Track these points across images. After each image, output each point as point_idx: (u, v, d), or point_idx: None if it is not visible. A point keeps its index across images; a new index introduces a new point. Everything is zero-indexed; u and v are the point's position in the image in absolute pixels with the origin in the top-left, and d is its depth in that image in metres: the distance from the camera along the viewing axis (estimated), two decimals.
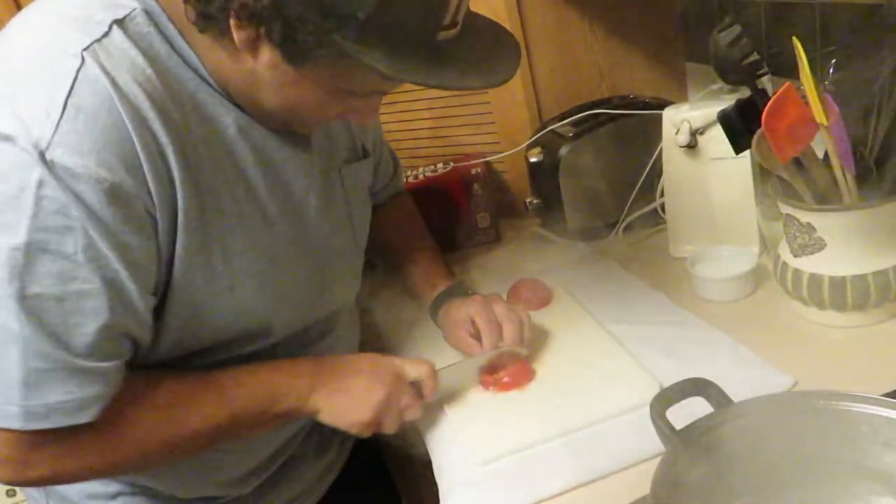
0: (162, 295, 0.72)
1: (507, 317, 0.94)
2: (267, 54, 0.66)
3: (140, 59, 0.66)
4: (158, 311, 0.72)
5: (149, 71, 0.66)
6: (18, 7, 1.38)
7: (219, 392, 0.77)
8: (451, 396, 0.91)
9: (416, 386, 0.85)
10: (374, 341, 1.14)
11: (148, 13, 0.68)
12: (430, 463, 0.87)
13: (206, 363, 0.79)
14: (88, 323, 0.65)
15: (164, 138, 0.66)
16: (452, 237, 1.36)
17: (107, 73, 0.64)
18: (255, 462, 0.90)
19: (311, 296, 0.87)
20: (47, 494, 0.87)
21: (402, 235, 1.14)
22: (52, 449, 0.68)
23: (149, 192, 0.66)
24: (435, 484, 0.83)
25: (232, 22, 0.64)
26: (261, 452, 0.90)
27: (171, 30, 0.69)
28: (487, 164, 1.41)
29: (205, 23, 0.66)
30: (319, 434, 0.98)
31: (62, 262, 0.63)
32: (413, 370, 0.85)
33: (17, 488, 1.75)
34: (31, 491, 0.88)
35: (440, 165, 1.41)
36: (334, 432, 1.00)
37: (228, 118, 0.73)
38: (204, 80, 0.71)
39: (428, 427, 0.90)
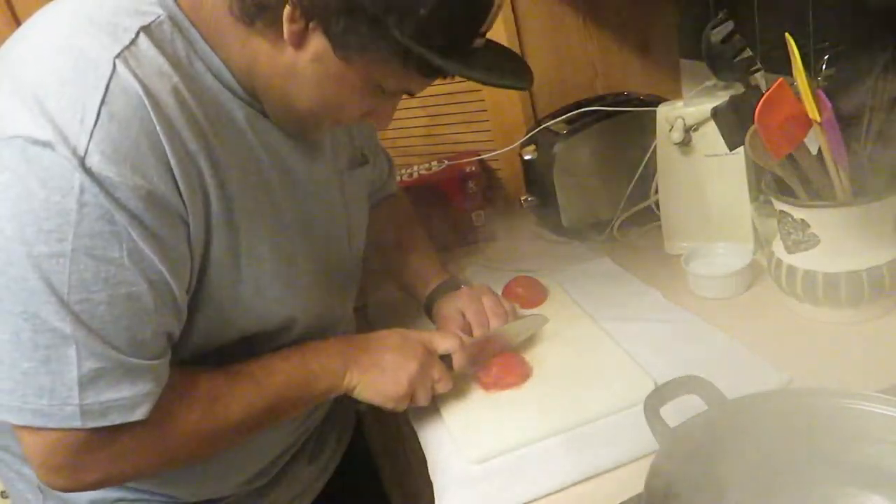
0: (192, 295, 0.72)
1: (494, 311, 0.98)
2: (315, 46, 0.68)
3: (167, 66, 0.67)
4: (189, 311, 0.73)
5: (175, 78, 0.67)
6: (12, 11, 1.37)
7: (255, 381, 0.78)
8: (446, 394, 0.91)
9: (444, 359, 0.88)
10: None
11: (172, 19, 0.69)
12: (424, 461, 0.87)
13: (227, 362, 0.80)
14: (138, 323, 0.66)
15: (193, 144, 0.67)
16: (447, 235, 1.36)
17: (139, 81, 0.64)
18: (260, 464, 0.90)
19: (323, 300, 0.88)
20: (44, 498, 0.86)
21: (396, 235, 1.14)
22: (106, 452, 0.68)
23: (180, 197, 0.66)
24: (430, 482, 0.83)
25: (286, 12, 0.65)
26: (266, 455, 0.90)
27: (193, 35, 0.70)
28: (482, 161, 1.42)
29: (256, 12, 0.67)
30: (316, 437, 0.98)
31: (109, 267, 0.63)
32: (443, 343, 0.88)
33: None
34: (27, 494, 0.88)
35: (435, 163, 1.41)
36: (329, 434, 1.01)
37: (249, 123, 0.75)
38: (226, 84, 0.72)
39: (422, 425, 0.90)
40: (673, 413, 0.63)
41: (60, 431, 0.65)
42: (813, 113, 0.81)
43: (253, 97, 0.75)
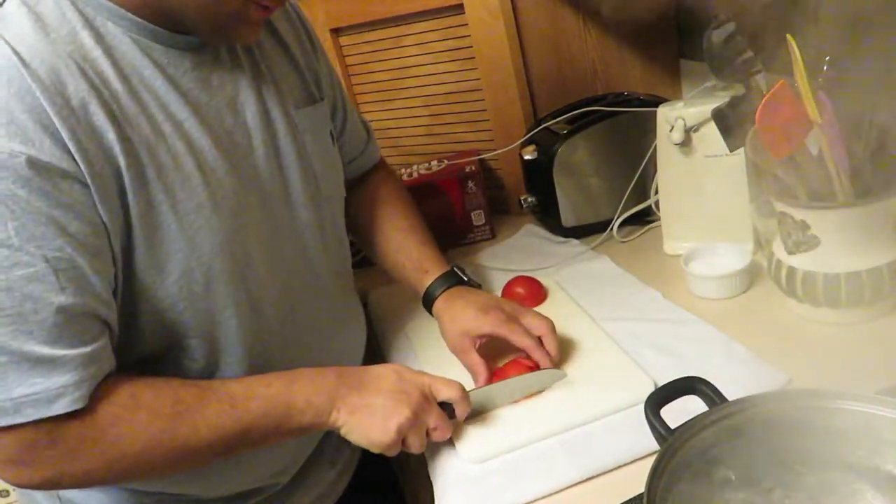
0: (129, 264, 0.69)
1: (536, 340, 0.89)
2: None
3: (40, 21, 0.64)
4: (130, 284, 0.70)
5: (53, 35, 0.65)
6: None
7: (231, 404, 0.73)
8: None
9: (446, 406, 0.81)
10: (367, 337, 1.14)
11: None
12: (424, 461, 0.87)
13: (196, 350, 0.77)
14: (43, 308, 0.62)
15: (84, 97, 0.64)
16: (447, 234, 1.36)
17: (6, 43, 0.62)
18: (282, 463, 0.89)
19: (284, 250, 0.83)
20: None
21: (384, 215, 1.06)
22: (51, 451, 0.66)
23: (72, 158, 0.63)
24: (429, 482, 0.83)
25: None
26: (288, 454, 0.89)
27: None
28: (482, 161, 1.42)
29: None
30: (336, 438, 0.97)
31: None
32: (444, 391, 0.81)
33: (9, 489, 1.75)
34: (44, 502, 0.88)
35: (435, 163, 1.41)
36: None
37: (153, 66, 0.71)
38: (121, 23, 0.69)
39: None
40: (673, 414, 0.63)
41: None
42: (814, 114, 0.81)
43: (157, 20, 0.71)
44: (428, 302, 0.99)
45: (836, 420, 0.60)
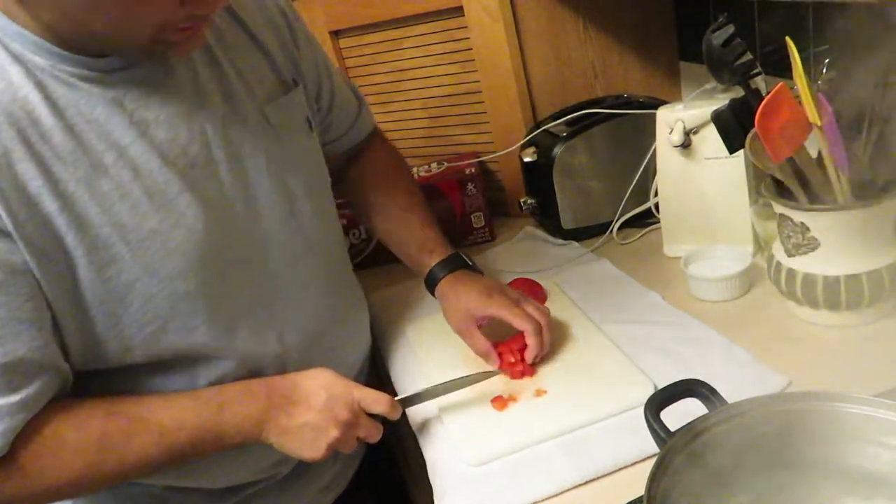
0: (81, 302, 0.69)
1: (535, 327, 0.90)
2: None
3: None
4: (89, 318, 0.70)
5: None
6: None
7: (159, 434, 0.73)
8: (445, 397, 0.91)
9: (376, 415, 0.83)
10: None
11: None
12: (423, 463, 0.87)
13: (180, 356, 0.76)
14: None
15: (7, 144, 0.63)
16: (447, 237, 1.35)
17: None
18: (280, 453, 0.89)
19: (261, 259, 0.81)
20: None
21: (384, 189, 1.05)
22: None
23: None
24: (430, 484, 0.83)
25: None
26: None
27: (12, 30, 0.65)
28: (482, 163, 1.42)
29: None
30: None
31: None
32: (374, 406, 0.82)
33: None
34: None
35: (434, 165, 1.41)
36: None
37: (89, 95, 0.68)
38: (52, 60, 0.67)
39: (421, 427, 0.90)
40: (673, 416, 0.63)
41: None
42: (813, 116, 0.81)
43: (85, 51, 0.68)
44: (431, 282, 1.00)
45: (836, 423, 0.60)
